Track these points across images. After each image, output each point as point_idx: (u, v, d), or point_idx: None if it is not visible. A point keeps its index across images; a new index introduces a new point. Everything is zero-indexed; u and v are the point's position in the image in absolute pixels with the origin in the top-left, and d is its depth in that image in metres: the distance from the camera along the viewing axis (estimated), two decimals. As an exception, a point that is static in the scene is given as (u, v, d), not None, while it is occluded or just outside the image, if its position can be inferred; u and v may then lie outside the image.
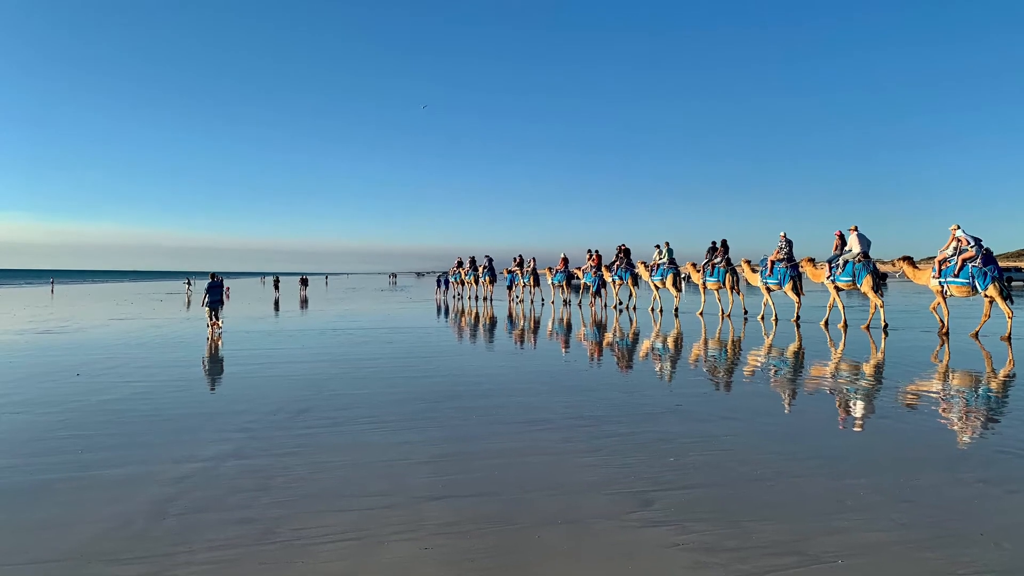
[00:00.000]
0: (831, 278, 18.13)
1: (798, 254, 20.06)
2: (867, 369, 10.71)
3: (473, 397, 8.47)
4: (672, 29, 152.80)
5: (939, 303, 15.91)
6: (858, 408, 7.82)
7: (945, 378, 9.88)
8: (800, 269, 19.92)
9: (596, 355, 12.80)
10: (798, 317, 19.02)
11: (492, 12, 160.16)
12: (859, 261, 17.39)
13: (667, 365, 11.46)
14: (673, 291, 24.06)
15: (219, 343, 14.62)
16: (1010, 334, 14.41)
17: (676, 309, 23.33)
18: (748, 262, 22.90)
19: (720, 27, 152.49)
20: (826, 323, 17.88)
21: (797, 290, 19.60)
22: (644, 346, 14.17)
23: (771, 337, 15.50)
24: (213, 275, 18.36)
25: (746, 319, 20.26)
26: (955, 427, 6.87)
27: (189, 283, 47.03)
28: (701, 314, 22.07)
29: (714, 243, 22.98)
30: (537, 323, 20.32)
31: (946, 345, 13.63)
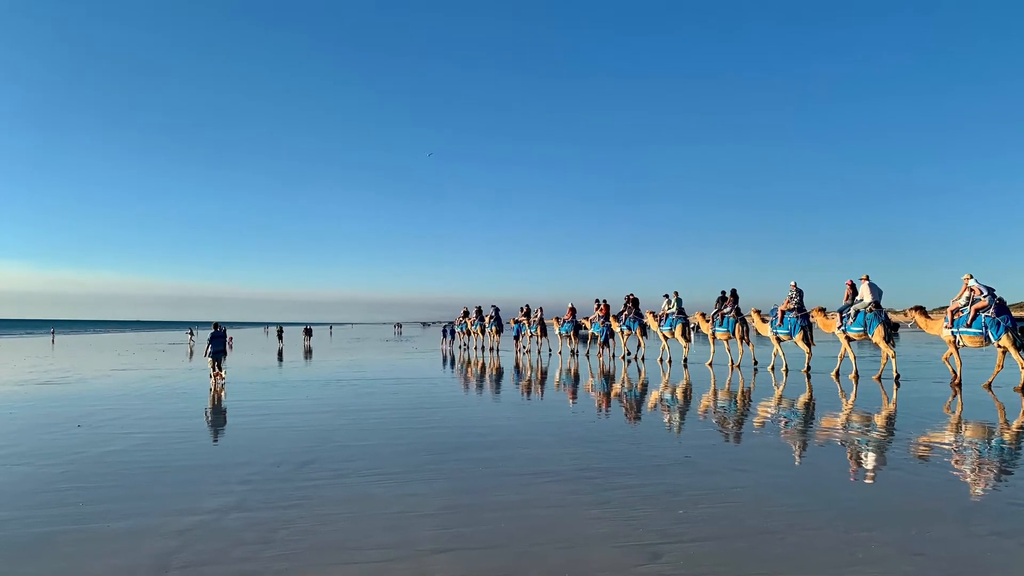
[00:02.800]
0: (842, 328, 18.04)
1: (809, 303, 20.04)
2: (878, 420, 10.58)
3: (480, 448, 8.40)
4: (680, 75, 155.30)
5: (951, 353, 15.78)
6: (869, 460, 7.70)
7: (958, 430, 9.74)
8: (811, 319, 19.86)
9: (604, 406, 12.71)
10: (809, 367, 18.88)
11: (499, 58, 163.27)
12: (871, 311, 17.34)
13: (676, 416, 11.35)
14: (682, 341, 23.98)
15: (222, 394, 14.59)
16: (1023, 385, 14.23)
17: (685, 359, 23.21)
18: (758, 312, 22.86)
19: (728, 73, 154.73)
20: (837, 374, 17.72)
21: (808, 340, 19.50)
22: (653, 397, 14.06)
23: (781, 388, 15.37)
24: (216, 325, 18.43)
25: (756, 369, 20.12)
26: (967, 479, 6.75)
27: (192, 333, 47.09)
28: (710, 364, 21.93)
29: (723, 293, 23.00)
30: (544, 374, 20.23)
31: (959, 396, 13.47)
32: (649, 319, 26.29)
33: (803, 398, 13.47)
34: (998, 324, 14.63)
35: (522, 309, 34.60)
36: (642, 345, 26.91)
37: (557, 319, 32.55)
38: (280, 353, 33.15)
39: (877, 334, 17.04)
